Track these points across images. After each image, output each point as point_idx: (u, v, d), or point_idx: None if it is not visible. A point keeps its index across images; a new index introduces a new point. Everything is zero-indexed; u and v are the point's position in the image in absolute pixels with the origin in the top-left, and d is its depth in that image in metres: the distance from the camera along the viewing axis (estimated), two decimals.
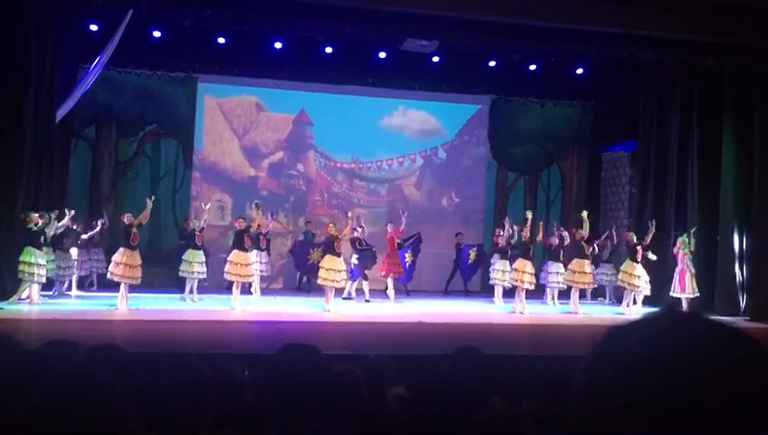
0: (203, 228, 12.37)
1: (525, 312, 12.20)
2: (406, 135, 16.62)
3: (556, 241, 13.12)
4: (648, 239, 12.69)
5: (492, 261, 13.80)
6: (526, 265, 12.35)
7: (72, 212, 12.19)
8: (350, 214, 12.51)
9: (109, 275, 11.33)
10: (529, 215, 12.85)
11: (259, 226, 12.49)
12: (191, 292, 12.29)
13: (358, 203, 16.53)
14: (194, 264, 12.22)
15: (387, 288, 13.39)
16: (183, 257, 12.39)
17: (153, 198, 11.70)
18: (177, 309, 11.40)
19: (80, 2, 11.70)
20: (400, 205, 16.60)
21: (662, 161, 14.32)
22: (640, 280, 12.57)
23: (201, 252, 12.29)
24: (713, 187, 13.30)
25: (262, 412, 2.47)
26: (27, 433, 0.71)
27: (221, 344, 8.25)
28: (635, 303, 12.94)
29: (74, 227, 12.39)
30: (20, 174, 11.43)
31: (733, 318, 11.33)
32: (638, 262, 12.55)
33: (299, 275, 14.84)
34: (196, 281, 12.33)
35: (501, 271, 12.98)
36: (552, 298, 13.54)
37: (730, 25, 11.41)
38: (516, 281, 12.36)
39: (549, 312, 12.83)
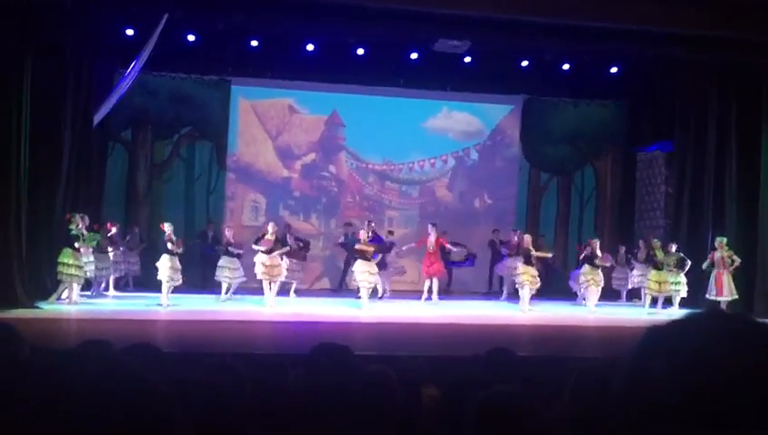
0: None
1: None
2: (448, 136, 16.60)
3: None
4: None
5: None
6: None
7: (114, 229, 12.74)
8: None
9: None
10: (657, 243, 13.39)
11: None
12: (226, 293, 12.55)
13: (389, 205, 16.54)
14: (225, 268, 12.58)
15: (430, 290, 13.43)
16: (218, 263, 12.72)
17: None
18: (211, 309, 11.54)
19: (116, 8, 11.91)
20: (432, 206, 16.59)
21: (699, 161, 14.07)
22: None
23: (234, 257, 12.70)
24: (752, 187, 13.04)
25: (295, 411, 2.49)
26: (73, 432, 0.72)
27: (255, 344, 8.32)
28: (671, 304, 12.90)
29: (112, 230, 12.70)
30: (58, 176, 11.67)
31: None
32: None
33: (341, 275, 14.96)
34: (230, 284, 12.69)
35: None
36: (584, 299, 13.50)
37: (766, 23, 11.19)
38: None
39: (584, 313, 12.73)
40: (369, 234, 12.67)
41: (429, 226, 13.97)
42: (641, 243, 14.27)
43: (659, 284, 12.73)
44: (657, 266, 12.82)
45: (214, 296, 12.54)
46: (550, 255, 13.81)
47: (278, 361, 4.42)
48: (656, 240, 13.55)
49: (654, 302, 13.01)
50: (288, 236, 13.56)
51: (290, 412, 2.54)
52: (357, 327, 10.24)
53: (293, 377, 3.12)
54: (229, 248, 12.70)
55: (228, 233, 13.09)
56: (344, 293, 14.30)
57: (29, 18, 10.72)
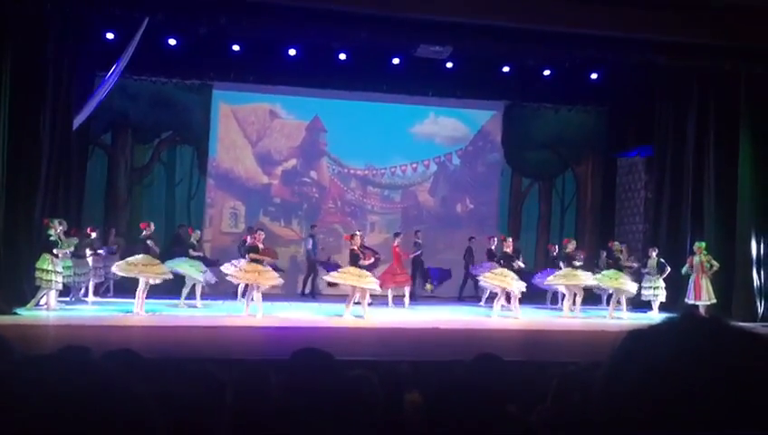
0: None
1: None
2: (434, 142, 16.65)
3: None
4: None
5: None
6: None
7: (94, 235, 12.60)
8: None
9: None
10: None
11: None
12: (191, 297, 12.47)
13: (371, 210, 16.54)
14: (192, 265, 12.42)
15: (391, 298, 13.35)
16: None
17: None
18: (191, 315, 11.45)
19: (97, 11, 11.83)
20: (414, 211, 16.61)
21: (678, 166, 14.23)
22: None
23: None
24: (730, 191, 13.19)
25: (277, 417, 2.48)
26: None
27: (236, 350, 8.26)
28: (651, 308, 13.00)
29: (92, 235, 12.56)
30: (37, 180, 11.54)
31: (750, 324, 11.22)
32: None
33: (303, 280, 14.88)
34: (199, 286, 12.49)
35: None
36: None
37: (745, 29, 11.35)
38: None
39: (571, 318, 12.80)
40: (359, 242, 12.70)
41: (395, 235, 14.00)
42: (623, 247, 14.35)
43: (615, 279, 12.66)
44: (620, 268, 12.89)
45: (187, 302, 12.41)
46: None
47: (259, 366, 4.40)
48: (616, 243, 13.69)
49: (608, 301, 13.20)
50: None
51: (271, 418, 2.53)
52: (339, 332, 10.20)
53: (275, 383, 3.11)
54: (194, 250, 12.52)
55: (194, 236, 12.91)
56: (319, 298, 14.19)
57: (8, 21, 10.61)
